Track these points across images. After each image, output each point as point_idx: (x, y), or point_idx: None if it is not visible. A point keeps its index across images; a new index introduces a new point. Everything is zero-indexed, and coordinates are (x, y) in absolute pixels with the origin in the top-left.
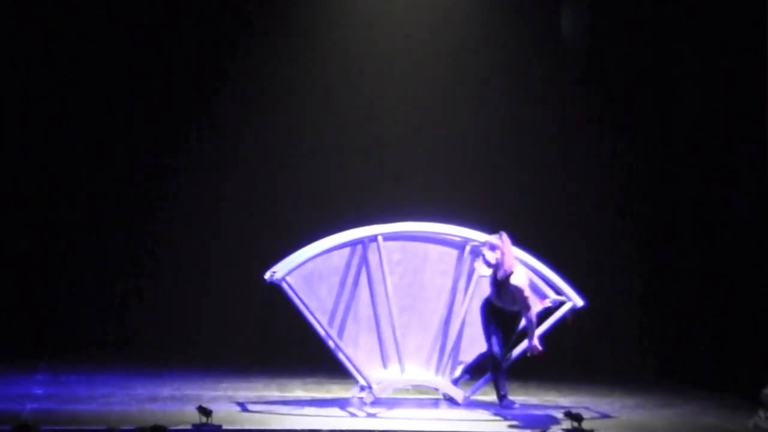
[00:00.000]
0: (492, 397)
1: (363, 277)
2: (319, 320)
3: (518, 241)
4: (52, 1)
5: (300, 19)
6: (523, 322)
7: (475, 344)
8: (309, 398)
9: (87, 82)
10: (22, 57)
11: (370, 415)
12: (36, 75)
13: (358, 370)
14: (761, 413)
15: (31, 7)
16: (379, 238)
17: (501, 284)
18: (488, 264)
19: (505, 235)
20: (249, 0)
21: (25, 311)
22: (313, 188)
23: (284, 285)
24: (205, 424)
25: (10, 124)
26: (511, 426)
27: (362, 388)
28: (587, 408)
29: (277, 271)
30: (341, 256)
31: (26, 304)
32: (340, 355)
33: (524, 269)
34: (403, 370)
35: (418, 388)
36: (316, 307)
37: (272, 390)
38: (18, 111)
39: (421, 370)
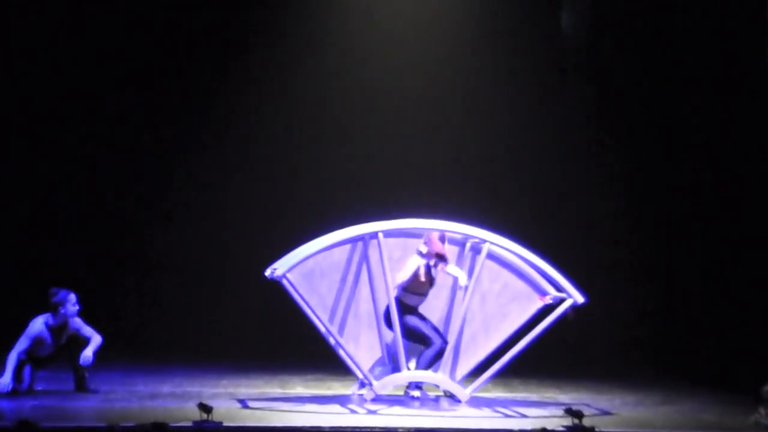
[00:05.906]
0: (493, 393)
1: (364, 274)
2: (320, 317)
3: (520, 238)
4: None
5: (301, 18)
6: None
7: (476, 341)
8: (310, 395)
9: (89, 82)
10: (21, 55)
11: (370, 412)
12: (36, 74)
13: (358, 367)
14: (761, 410)
15: (32, 5)
16: (380, 234)
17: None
18: (422, 255)
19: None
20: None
21: (27, 308)
22: (313, 185)
23: (285, 282)
24: (206, 421)
25: (10, 124)
26: (512, 423)
27: (363, 385)
28: (587, 405)
29: (278, 268)
30: (342, 253)
31: (28, 301)
32: (341, 352)
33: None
34: (403, 367)
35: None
36: (317, 303)
37: (273, 387)
38: (17, 111)
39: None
